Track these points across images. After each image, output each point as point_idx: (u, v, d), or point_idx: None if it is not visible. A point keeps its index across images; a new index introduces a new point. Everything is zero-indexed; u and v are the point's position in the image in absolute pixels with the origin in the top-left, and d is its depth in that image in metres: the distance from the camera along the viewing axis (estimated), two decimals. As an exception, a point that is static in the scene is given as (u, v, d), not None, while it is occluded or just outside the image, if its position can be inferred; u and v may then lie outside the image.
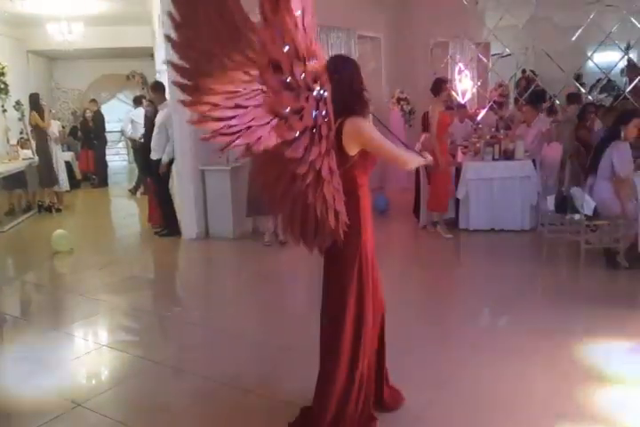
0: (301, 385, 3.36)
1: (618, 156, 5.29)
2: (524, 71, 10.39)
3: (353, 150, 2.64)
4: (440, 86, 6.72)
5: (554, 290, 5.10)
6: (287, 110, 2.22)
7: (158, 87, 7.42)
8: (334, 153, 2.48)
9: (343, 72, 2.63)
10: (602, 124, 7.45)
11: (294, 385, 3.40)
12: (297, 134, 2.28)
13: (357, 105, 2.65)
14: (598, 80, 9.99)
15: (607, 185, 5.35)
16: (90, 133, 12.88)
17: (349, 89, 2.63)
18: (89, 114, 12.92)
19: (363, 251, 2.78)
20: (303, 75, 2.26)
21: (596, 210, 5.34)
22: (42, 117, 9.17)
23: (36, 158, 9.51)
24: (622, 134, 5.36)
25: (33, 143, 9.82)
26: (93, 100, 13.22)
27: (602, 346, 3.83)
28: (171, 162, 7.31)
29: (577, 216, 5.42)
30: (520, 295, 4.84)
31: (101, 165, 12.90)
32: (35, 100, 9.22)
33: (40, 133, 9.29)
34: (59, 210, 9.57)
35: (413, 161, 2.85)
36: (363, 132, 2.61)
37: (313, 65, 2.33)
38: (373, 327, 2.88)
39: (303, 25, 2.35)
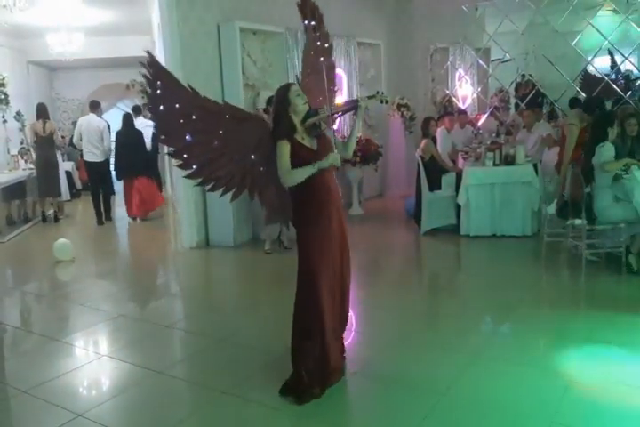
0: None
1: (599, 154, 5.29)
2: (522, 76, 10.38)
3: None
4: None
5: (556, 296, 5.08)
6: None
7: (94, 105, 9.35)
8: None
9: (274, 104, 3.46)
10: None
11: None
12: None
13: (276, 131, 3.36)
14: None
15: (606, 192, 5.32)
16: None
17: (273, 116, 3.42)
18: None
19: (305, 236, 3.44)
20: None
21: (597, 217, 5.31)
22: (44, 127, 9.22)
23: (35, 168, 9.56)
24: (609, 136, 5.35)
25: (33, 154, 9.86)
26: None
27: (606, 353, 3.80)
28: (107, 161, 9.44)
29: (578, 221, 5.39)
30: (522, 301, 4.81)
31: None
32: (44, 109, 9.36)
33: (45, 142, 9.31)
34: (57, 219, 9.57)
35: (289, 180, 3.32)
36: (277, 150, 3.31)
37: None
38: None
39: None
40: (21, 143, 10.79)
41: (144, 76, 3.16)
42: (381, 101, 3.64)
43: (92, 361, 4.07)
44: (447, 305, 5.04)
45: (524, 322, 4.41)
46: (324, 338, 3.37)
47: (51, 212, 9.66)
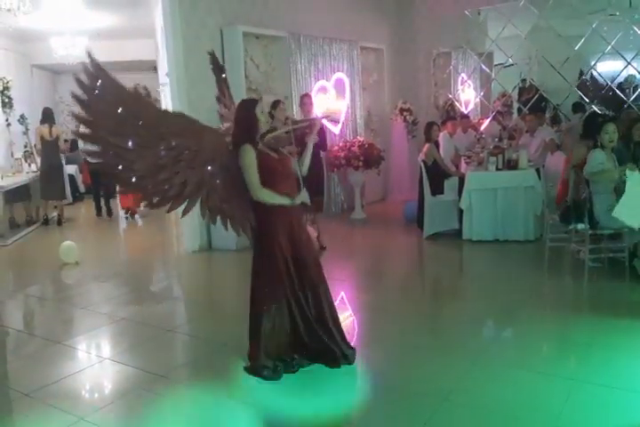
0: (311, 397, 3.35)
1: (589, 161, 5.28)
2: (523, 81, 10.40)
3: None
4: None
5: (558, 301, 5.07)
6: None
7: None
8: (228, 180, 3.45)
9: (235, 115, 3.64)
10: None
11: (302, 398, 3.38)
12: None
13: (243, 138, 3.48)
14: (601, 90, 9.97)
15: (603, 198, 5.30)
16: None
17: (237, 126, 3.56)
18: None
19: (267, 243, 3.64)
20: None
21: (598, 222, 5.29)
22: (50, 131, 9.28)
23: (38, 171, 9.60)
24: (599, 143, 5.34)
25: (37, 157, 9.89)
26: None
27: (609, 358, 3.78)
28: None
29: (580, 226, 5.38)
30: (525, 306, 4.80)
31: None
32: (50, 114, 9.41)
33: (51, 146, 9.35)
34: (60, 222, 9.59)
35: (261, 196, 3.49)
36: (241, 158, 3.43)
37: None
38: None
39: None
40: (25, 146, 10.83)
41: (75, 76, 2.93)
42: (332, 120, 4.07)
43: (95, 364, 4.08)
44: (449, 309, 5.03)
45: (526, 327, 4.40)
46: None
47: (54, 215, 9.69)
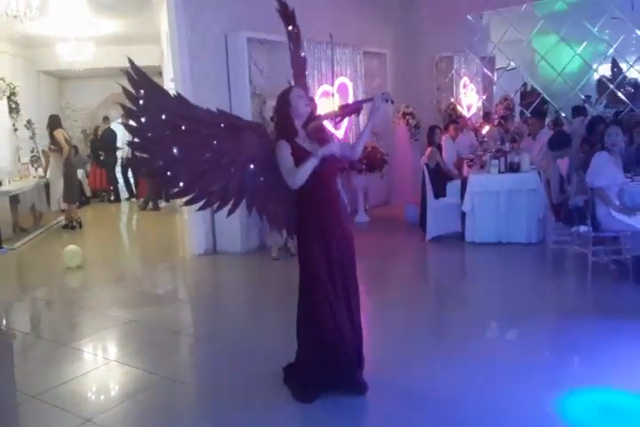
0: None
1: (593, 165, 5.23)
2: (524, 85, 10.44)
3: None
4: None
5: (562, 303, 5.08)
6: None
7: (106, 118, 12.96)
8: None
9: (276, 107, 3.55)
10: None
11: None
12: None
13: (281, 131, 3.38)
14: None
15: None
16: (99, 151, 13.06)
17: (276, 117, 3.52)
18: (100, 131, 13.15)
19: (308, 248, 3.40)
20: None
21: (600, 224, 5.31)
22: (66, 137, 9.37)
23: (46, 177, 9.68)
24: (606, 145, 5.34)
25: (45, 162, 9.96)
26: (106, 118, 13.36)
27: (612, 360, 3.79)
28: None
29: (583, 228, 5.40)
30: (527, 309, 4.82)
31: (112, 182, 13.07)
32: (59, 121, 9.47)
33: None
34: (73, 227, 9.63)
35: (295, 179, 3.24)
36: (277, 154, 3.28)
37: None
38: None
39: None
40: (32, 151, 10.90)
41: (122, 86, 2.95)
42: (386, 100, 3.52)
43: (101, 367, 4.12)
44: (453, 313, 5.05)
45: (530, 330, 4.42)
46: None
47: (60, 219, 9.73)
